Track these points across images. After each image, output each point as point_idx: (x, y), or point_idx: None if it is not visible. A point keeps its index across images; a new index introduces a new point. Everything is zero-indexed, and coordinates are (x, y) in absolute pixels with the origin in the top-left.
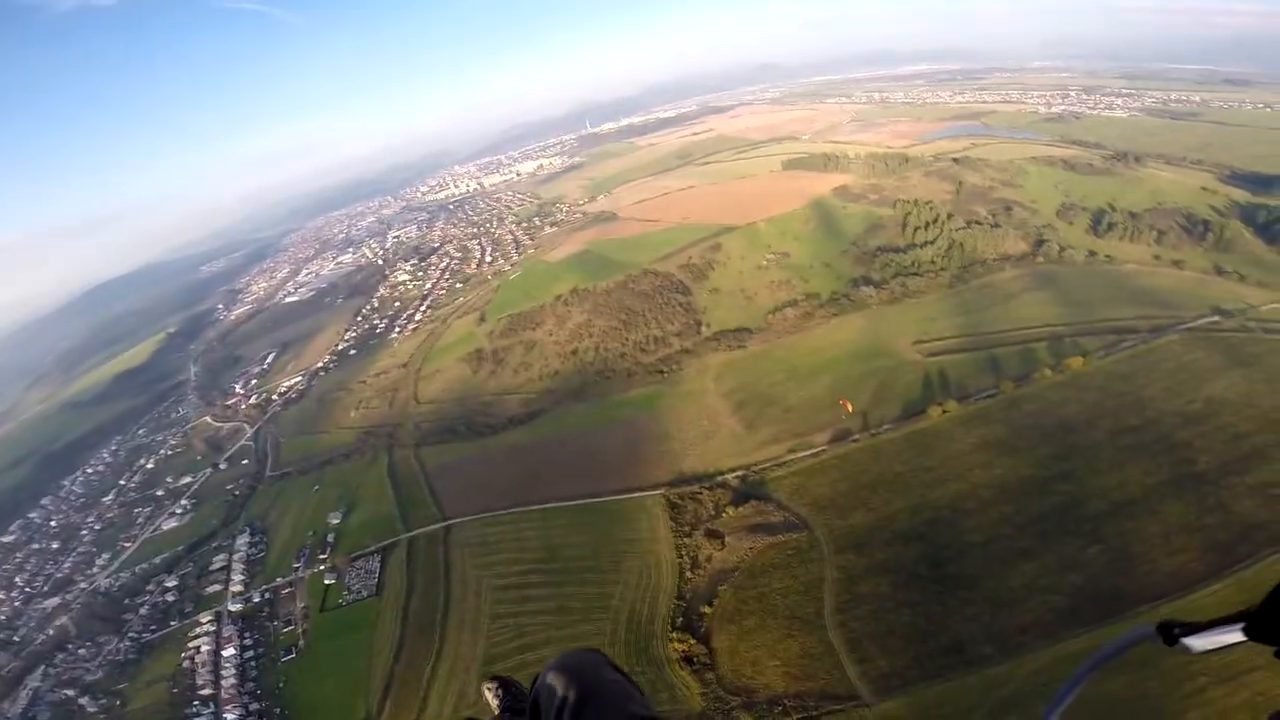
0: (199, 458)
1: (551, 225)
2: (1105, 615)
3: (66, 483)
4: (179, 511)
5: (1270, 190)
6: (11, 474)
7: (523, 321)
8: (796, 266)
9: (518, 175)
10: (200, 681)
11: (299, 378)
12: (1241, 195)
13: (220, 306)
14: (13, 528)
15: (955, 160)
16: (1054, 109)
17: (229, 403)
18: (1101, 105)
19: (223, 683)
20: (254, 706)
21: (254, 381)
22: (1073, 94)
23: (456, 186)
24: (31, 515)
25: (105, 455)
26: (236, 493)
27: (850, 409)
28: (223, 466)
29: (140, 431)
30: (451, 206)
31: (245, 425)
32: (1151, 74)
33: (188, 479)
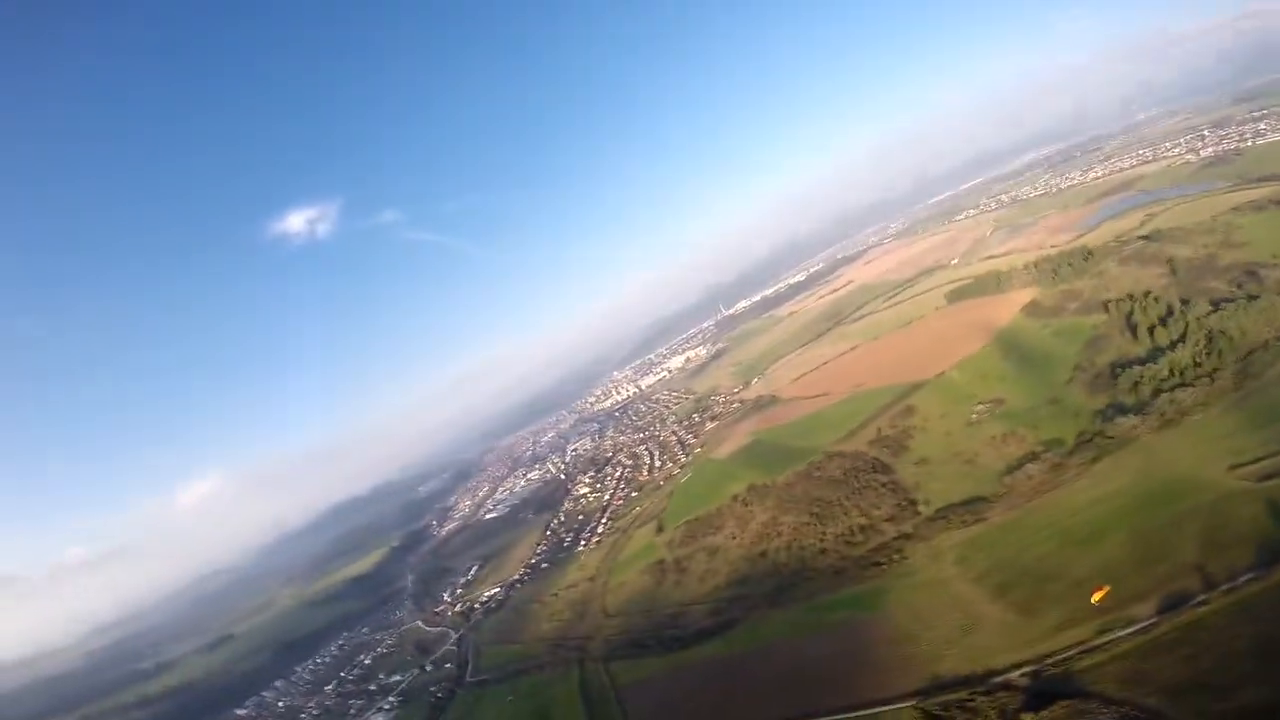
0: (409, 658)
1: (711, 420)
2: None
3: (299, 669)
4: (386, 707)
5: None
6: (256, 657)
7: (701, 527)
8: (1017, 413)
9: (669, 372)
10: None
11: (498, 588)
12: None
13: (434, 522)
14: (248, 703)
15: (1145, 238)
16: (1205, 152)
17: (438, 609)
18: (1250, 135)
19: None
20: None
21: (459, 590)
22: (1206, 133)
23: (618, 393)
24: (264, 694)
25: (333, 649)
26: (439, 694)
27: (1099, 596)
28: (428, 668)
29: (363, 630)
30: (617, 414)
31: (450, 631)
32: (1258, 91)
33: (397, 677)
